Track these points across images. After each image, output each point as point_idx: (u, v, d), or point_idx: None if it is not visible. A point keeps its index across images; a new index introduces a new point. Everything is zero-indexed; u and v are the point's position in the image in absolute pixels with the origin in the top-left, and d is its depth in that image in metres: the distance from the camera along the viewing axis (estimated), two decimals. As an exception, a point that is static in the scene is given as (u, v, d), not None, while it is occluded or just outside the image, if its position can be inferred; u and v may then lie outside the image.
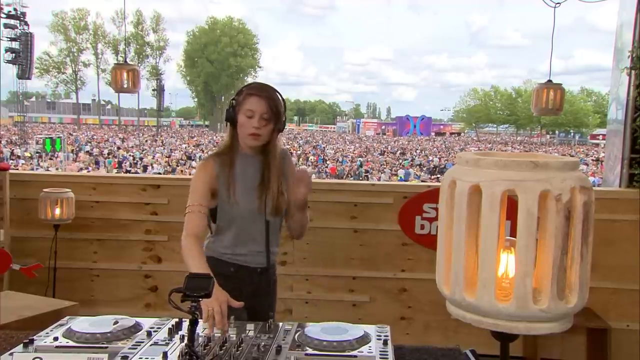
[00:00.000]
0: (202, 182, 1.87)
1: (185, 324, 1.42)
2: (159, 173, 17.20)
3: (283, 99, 1.91)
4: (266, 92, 1.85)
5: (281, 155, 1.96)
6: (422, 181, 16.28)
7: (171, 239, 3.47)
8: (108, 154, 24.55)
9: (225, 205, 1.88)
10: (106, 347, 1.29)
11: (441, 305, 1.09)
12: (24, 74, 33.79)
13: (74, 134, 39.54)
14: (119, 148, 27.63)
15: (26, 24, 32.77)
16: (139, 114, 69.31)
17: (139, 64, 49.45)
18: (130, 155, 23.97)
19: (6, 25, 31.83)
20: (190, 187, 1.88)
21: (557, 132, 65.29)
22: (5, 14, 30.64)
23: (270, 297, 2.04)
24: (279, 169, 1.92)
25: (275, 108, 1.84)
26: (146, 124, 70.99)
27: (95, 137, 37.44)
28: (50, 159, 21.34)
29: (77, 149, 27.30)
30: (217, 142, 32.51)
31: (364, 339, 1.33)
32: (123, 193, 3.50)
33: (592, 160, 28.43)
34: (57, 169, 17.72)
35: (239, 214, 1.89)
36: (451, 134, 74.23)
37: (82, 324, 1.41)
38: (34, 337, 1.34)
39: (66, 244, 3.45)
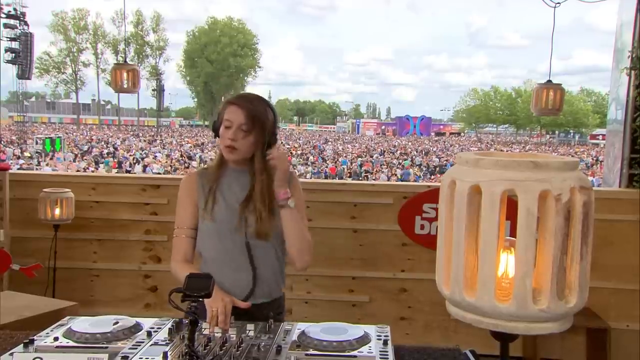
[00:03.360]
0: (184, 198, 1.75)
1: (186, 324, 1.42)
2: (159, 173, 17.19)
3: (274, 111, 1.71)
4: (247, 102, 1.65)
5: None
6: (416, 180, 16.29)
7: (171, 239, 3.45)
8: (107, 154, 24.55)
9: (202, 221, 1.72)
10: (106, 347, 1.29)
11: (441, 305, 1.09)
12: (24, 74, 33.84)
13: (74, 134, 39.55)
14: (115, 149, 27.59)
15: (26, 24, 32.81)
16: (139, 114, 69.38)
17: (139, 64, 49.43)
18: (130, 155, 23.97)
19: (6, 25, 31.88)
20: (176, 204, 1.78)
21: (557, 132, 65.37)
22: (5, 14, 30.69)
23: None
24: (266, 187, 1.67)
25: (256, 119, 1.63)
26: (146, 124, 71.04)
27: (94, 137, 37.44)
28: (51, 159, 21.34)
29: (78, 150, 27.29)
30: (217, 143, 32.45)
31: (364, 339, 1.33)
32: (123, 193, 3.51)
33: (592, 159, 28.41)
34: (66, 169, 17.67)
35: (217, 233, 1.70)
36: (451, 134, 74.31)
37: (82, 324, 1.41)
38: (34, 337, 1.34)
39: (66, 244, 3.45)
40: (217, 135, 1.71)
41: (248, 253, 1.69)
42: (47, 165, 19.26)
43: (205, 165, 1.90)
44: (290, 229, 1.69)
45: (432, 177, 20.49)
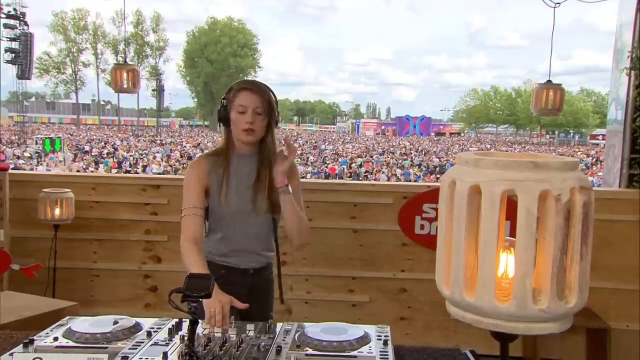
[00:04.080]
0: (194, 181, 1.82)
1: (185, 324, 1.42)
2: (159, 173, 17.20)
3: (274, 94, 1.85)
4: (257, 87, 1.81)
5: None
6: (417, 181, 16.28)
7: (171, 239, 3.47)
8: (107, 154, 24.55)
9: (216, 205, 1.84)
10: (106, 347, 1.29)
11: (441, 305, 1.09)
12: (24, 74, 33.82)
13: (73, 134, 39.55)
14: (115, 149, 27.57)
15: (26, 24, 32.79)
16: (139, 114, 69.35)
17: (139, 64, 49.40)
18: (130, 155, 23.96)
19: (6, 25, 31.86)
20: (183, 188, 1.84)
21: (556, 132, 65.38)
22: (5, 14, 30.67)
23: (266, 298, 1.97)
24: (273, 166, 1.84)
25: (268, 101, 1.80)
26: (146, 124, 71.00)
27: (94, 137, 37.43)
28: (51, 159, 21.35)
29: (77, 150, 27.31)
30: (217, 143, 32.50)
31: (364, 339, 1.34)
32: (123, 193, 3.50)
33: (592, 160, 28.42)
34: (67, 169, 17.65)
35: (231, 214, 1.84)
36: (451, 134, 74.30)
37: (82, 324, 1.41)
38: (34, 337, 1.34)
39: (66, 244, 3.45)
40: (225, 123, 1.82)
41: (266, 228, 1.90)
42: (47, 165, 19.26)
43: (210, 151, 1.97)
44: (291, 211, 1.82)
45: (430, 175, 20.49)
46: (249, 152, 1.86)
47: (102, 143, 31.13)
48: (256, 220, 1.86)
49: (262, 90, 1.80)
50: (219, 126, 1.89)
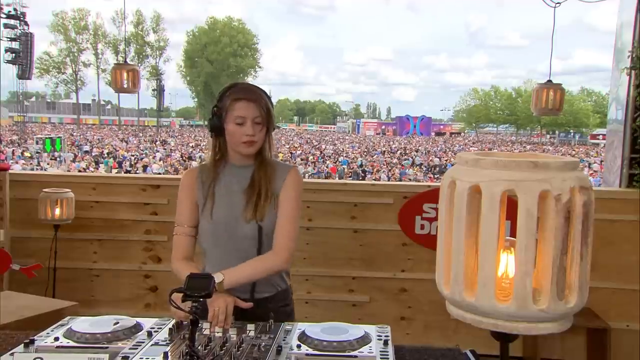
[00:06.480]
0: (185, 196, 1.76)
1: (186, 324, 1.42)
2: (159, 173, 17.19)
3: (269, 97, 1.75)
4: (254, 94, 1.68)
5: (283, 168, 1.77)
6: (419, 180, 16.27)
7: (171, 239, 3.45)
8: (108, 154, 24.55)
9: (202, 220, 1.74)
10: (107, 347, 1.30)
11: (441, 305, 1.09)
12: (24, 74, 33.82)
13: (74, 134, 39.55)
14: (115, 149, 27.56)
15: (26, 24, 32.80)
16: (139, 114, 69.37)
17: (139, 64, 49.44)
18: (130, 155, 23.96)
19: (6, 25, 31.88)
20: (177, 201, 1.78)
21: (557, 132, 65.38)
22: (5, 14, 30.69)
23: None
24: (270, 172, 1.73)
25: (267, 109, 1.68)
26: (146, 124, 71.01)
27: (95, 136, 37.41)
28: (51, 159, 21.36)
29: (77, 150, 27.30)
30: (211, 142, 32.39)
31: (364, 339, 1.34)
32: (123, 193, 3.51)
33: (592, 159, 28.39)
34: (67, 169, 17.66)
35: (218, 229, 1.71)
36: (451, 134, 74.29)
37: (83, 324, 1.41)
38: (35, 337, 1.34)
39: (66, 244, 3.45)
40: (218, 133, 1.73)
41: (259, 240, 1.69)
42: (48, 164, 19.26)
43: (204, 161, 1.87)
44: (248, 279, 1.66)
45: (432, 176, 20.48)
46: (245, 163, 1.75)
47: (101, 143, 31.12)
48: (252, 228, 1.68)
49: (259, 98, 1.67)
50: (210, 134, 1.78)
